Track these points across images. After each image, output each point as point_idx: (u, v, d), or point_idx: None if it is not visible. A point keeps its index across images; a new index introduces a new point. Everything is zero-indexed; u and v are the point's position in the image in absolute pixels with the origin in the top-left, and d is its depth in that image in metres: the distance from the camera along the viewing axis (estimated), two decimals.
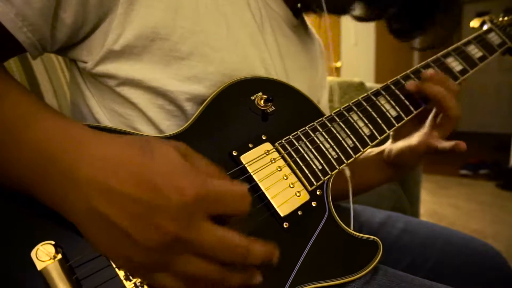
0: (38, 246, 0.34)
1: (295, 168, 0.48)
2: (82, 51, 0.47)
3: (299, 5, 0.62)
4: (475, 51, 0.68)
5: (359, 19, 0.64)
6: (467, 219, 2.45)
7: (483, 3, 4.83)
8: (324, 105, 0.73)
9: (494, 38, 0.72)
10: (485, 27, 0.74)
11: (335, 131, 0.52)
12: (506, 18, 0.76)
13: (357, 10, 0.63)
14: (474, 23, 0.77)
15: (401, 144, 0.64)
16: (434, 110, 0.61)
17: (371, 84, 1.51)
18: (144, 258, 0.31)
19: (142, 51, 0.46)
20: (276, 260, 0.34)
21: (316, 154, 0.49)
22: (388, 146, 0.67)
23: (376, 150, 0.69)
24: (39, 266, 0.34)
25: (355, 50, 3.50)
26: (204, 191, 0.30)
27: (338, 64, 3.26)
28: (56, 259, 0.34)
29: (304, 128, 0.51)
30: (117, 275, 0.36)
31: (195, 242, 0.31)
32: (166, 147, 0.33)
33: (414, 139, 0.62)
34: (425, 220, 0.80)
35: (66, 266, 0.34)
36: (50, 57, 0.91)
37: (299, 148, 0.49)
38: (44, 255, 0.34)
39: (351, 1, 0.60)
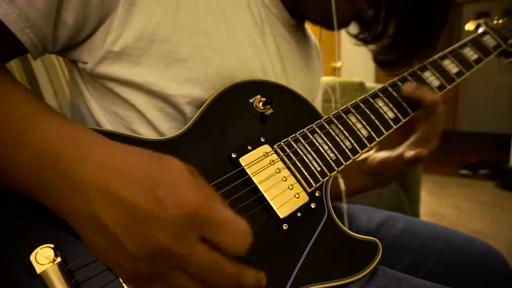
0: (37, 249, 0.34)
1: (294, 170, 0.48)
2: (82, 52, 0.48)
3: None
4: (470, 54, 0.69)
5: (353, 37, 0.64)
6: (467, 219, 2.45)
7: (483, 3, 4.83)
8: (317, 105, 0.73)
9: (489, 40, 0.73)
10: (480, 30, 0.75)
11: (333, 133, 0.52)
12: (500, 21, 0.76)
13: (352, 29, 0.63)
14: (470, 26, 0.78)
15: (385, 154, 0.62)
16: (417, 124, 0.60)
17: (371, 84, 1.50)
18: (132, 266, 0.30)
19: (142, 53, 0.46)
20: (264, 285, 0.33)
21: (315, 156, 0.50)
22: (371, 154, 0.66)
23: (361, 157, 0.67)
24: (39, 269, 0.33)
25: (355, 50, 3.49)
26: (204, 208, 0.30)
27: (338, 64, 3.26)
28: (56, 262, 0.34)
29: (302, 130, 0.51)
30: (116, 278, 0.36)
31: (184, 259, 0.30)
32: (175, 161, 0.32)
33: (394, 152, 0.60)
34: (425, 220, 0.80)
35: (66, 269, 0.34)
36: (50, 58, 0.91)
37: (298, 150, 0.49)
38: (44, 258, 0.34)
39: (346, 21, 0.60)
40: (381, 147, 0.66)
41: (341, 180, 0.57)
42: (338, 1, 0.54)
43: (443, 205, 2.71)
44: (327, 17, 0.58)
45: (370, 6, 0.58)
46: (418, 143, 0.59)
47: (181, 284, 0.31)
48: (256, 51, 0.54)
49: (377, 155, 0.65)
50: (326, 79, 1.33)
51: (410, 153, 0.57)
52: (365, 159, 0.67)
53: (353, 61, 3.41)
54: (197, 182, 0.32)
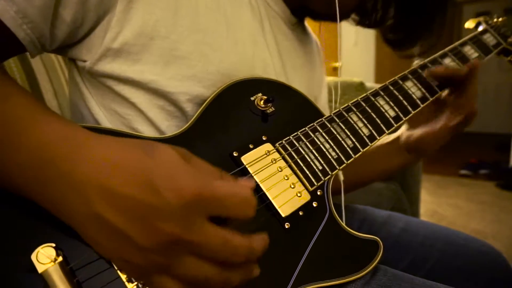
0: (39, 248, 0.34)
1: (295, 168, 0.48)
2: (81, 50, 0.47)
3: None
4: (471, 52, 0.69)
5: (358, 23, 0.66)
6: (467, 219, 2.45)
7: (483, 3, 4.82)
8: (322, 104, 0.74)
9: (489, 39, 0.73)
10: (480, 28, 0.75)
11: (335, 132, 0.52)
12: (500, 19, 0.77)
13: (354, 16, 0.65)
14: (469, 24, 0.78)
15: (424, 129, 0.67)
16: (452, 95, 0.65)
17: (371, 84, 1.50)
18: (144, 260, 0.30)
19: (141, 50, 0.46)
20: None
21: (317, 155, 0.50)
22: (405, 132, 0.70)
23: (392, 136, 0.71)
24: (40, 269, 0.33)
25: (355, 50, 3.49)
26: (204, 192, 0.30)
27: (338, 64, 3.26)
28: (57, 261, 0.34)
29: (304, 128, 0.51)
30: (118, 277, 0.36)
31: (196, 244, 0.30)
32: (167, 150, 0.32)
33: (437, 124, 0.65)
34: (425, 220, 0.80)
35: (67, 268, 0.34)
36: (50, 57, 0.91)
37: (300, 148, 0.49)
38: (45, 257, 0.34)
39: (347, 12, 0.61)
40: (414, 125, 0.69)
41: (340, 173, 0.57)
42: None
43: (443, 205, 2.71)
44: (330, 8, 0.58)
45: None
46: (458, 110, 0.63)
47: (195, 270, 0.31)
48: (256, 48, 0.54)
49: (413, 132, 0.68)
50: (327, 79, 1.33)
51: (458, 118, 0.63)
52: (398, 138, 0.70)
53: (353, 61, 3.41)
54: (191, 166, 0.32)
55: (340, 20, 0.59)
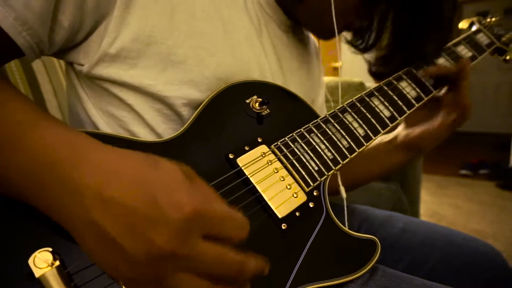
0: (36, 253, 0.34)
1: (291, 169, 0.48)
2: (79, 54, 0.48)
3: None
4: (464, 52, 0.70)
5: (348, 43, 0.66)
6: (467, 219, 2.44)
7: (483, 3, 4.82)
8: (320, 104, 0.74)
9: (482, 38, 0.74)
10: (474, 28, 0.76)
11: (330, 132, 0.52)
12: (493, 19, 0.78)
13: (348, 36, 0.65)
14: (463, 24, 0.79)
15: (423, 127, 0.67)
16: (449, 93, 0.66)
17: (371, 84, 1.50)
18: (133, 272, 0.30)
19: (138, 56, 0.46)
20: (267, 272, 0.34)
21: (312, 155, 0.50)
22: (402, 130, 0.70)
23: (390, 136, 0.72)
24: (37, 273, 0.33)
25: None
26: (203, 210, 0.30)
27: (338, 64, 3.26)
28: (54, 266, 0.34)
29: (299, 129, 0.51)
30: (116, 281, 0.36)
31: (189, 258, 0.29)
32: (170, 164, 0.32)
33: (435, 122, 0.66)
34: (425, 220, 0.80)
35: (64, 273, 0.34)
36: (50, 58, 0.92)
37: (295, 149, 0.49)
38: (42, 262, 0.33)
39: (338, 31, 0.60)
40: (411, 123, 0.70)
41: (342, 189, 0.57)
42: (329, 14, 0.54)
43: (443, 205, 2.70)
44: (318, 27, 0.59)
45: (360, 18, 0.58)
46: (454, 107, 0.65)
47: (186, 285, 0.30)
48: (253, 52, 0.55)
49: (412, 131, 0.69)
50: (326, 79, 1.34)
51: (454, 114, 0.65)
52: (395, 138, 0.70)
53: (353, 61, 3.41)
54: (192, 184, 0.31)
55: (329, 38, 0.59)
